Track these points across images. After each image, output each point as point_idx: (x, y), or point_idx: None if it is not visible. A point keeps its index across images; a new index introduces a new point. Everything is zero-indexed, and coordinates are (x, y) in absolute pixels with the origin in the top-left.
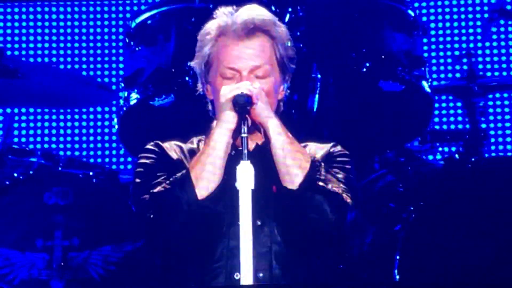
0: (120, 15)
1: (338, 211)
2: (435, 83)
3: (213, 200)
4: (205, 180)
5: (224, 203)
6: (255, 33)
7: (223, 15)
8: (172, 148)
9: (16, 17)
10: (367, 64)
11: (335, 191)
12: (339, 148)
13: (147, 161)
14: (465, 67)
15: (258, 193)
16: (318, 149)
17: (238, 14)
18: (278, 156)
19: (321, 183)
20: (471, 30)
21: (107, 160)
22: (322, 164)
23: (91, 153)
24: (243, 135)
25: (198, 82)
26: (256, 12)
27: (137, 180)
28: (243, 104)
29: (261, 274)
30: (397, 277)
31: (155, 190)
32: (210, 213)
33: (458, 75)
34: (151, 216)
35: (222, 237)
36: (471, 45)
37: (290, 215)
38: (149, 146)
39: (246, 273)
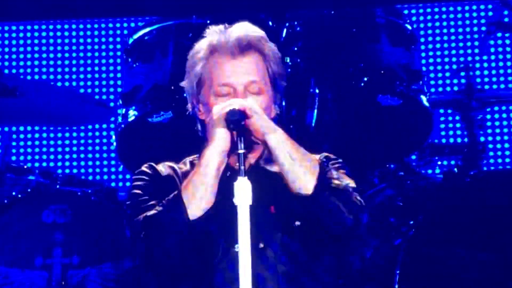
0: (118, 32)
1: (354, 210)
2: (433, 96)
3: (206, 220)
4: (197, 201)
5: (218, 223)
6: (249, 50)
7: (214, 33)
8: (165, 169)
9: (14, 35)
10: (365, 79)
11: (349, 189)
12: (330, 156)
13: (141, 183)
14: (463, 80)
15: (257, 213)
16: None
17: (230, 31)
18: (287, 164)
19: (336, 182)
20: (469, 43)
21: (105, 177)
22: (329, 164)
23: (90, 170)
24: (239, 151)
25: (188, 103)
26: (249, 30)
27: (131, 202)
28: (237, 120)
29: None
30: None
31: (148, 213)
32: (203, 233)
33: (456, 88)
34: (143, 237)
35: (218, 258)
36: (469, 58)
37: (307, 222)
38: (143, 168)
39: None
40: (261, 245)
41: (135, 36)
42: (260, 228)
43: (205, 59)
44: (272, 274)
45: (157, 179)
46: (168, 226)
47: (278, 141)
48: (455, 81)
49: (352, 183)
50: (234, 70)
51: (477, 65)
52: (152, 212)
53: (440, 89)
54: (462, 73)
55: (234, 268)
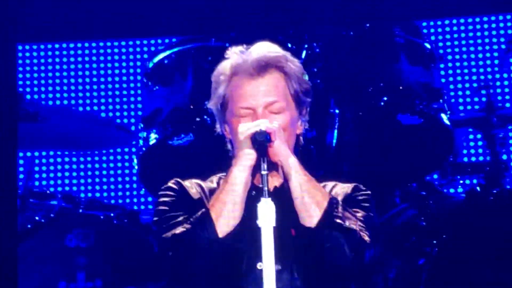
0: (138, 56)
1: (356, 248)
2: (453, 115)
3: (235, 237)
4: (225, 218)
5: (244, 241)
6: (267, 69)
7: (234, 55)
8: (192, 186)
9: (35, 61)
10: (385, 98)
11: (352, 228)
12: (360, 187)
13: (168, 199)
14: (483, 99)
15: (276, 234)
16: (338, 188)
17: (249, 52)
18: (296, 194)
19: (338, 220)
20: (488, 62)
21: (127, 201)
22: (340, 202)
23: (112, 194)
24: (263, 172)
25: (216, 123)
26: (267, 49)
27: (158, 219)
28: (262, 141)
29: None
30: None
31: (176, 232)
32: (232, 251)
33: (477, 107)
34: (172, 255)
35: (242, 277)
36: (489, 76)
37: (309, 255)
38: (170, 184)
39: None
40: (278, 267)
41: (155, 60)
42: (278, 250)
43: (227, 81)
44: None
45: (183, 195)
46: (197, 244)
47: (292, 169)
48: (476, 99)
49: (356, 226)
50: (252, 91)
51: (498, 83)
52: (180, 229)
53: (461, 107)
54: (483, 91)
55: (257, 287)
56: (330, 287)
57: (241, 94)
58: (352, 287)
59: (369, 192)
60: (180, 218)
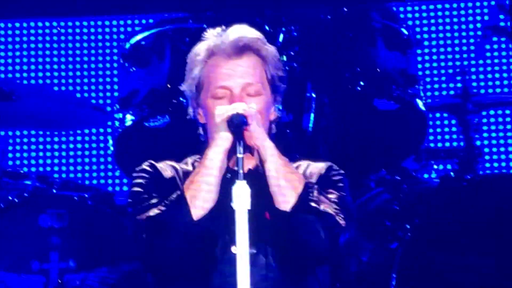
0: (114, 36)
1: (331, 232)
2: (429, 100)
3: (209, 220)
4: (200, 200)
5: (218, 224)
6: (245, 52)
7: (212, 36)
8: (166, 168)
9: (10, 39)
10: (362, 83)
11: (327, 211)
12: (334, 167)
13: (142, 181)
14: (459, 84)
15: (251, 217)
16: (313, 168)
17: (227, 33)
18: (272, 178)
19: (313, 204)
20: (464, 48)
21: (102, 182)
22: (316, 186)
23: (86, 175)
24: (238, 155)
25: (189, 106)
26: (245, 31)
27: (132, 201)
28: (238, 124)
29: None
30: None
31: (151, 214)
32: (206, 233)
33: (452, 92)
34: (146, 237)
35: (217, 260)
36: (465, 62)
37: (283, 238)
38: (143, 166)
39: None
40: (253, 251)
41: (132, 41)
42: (253, 233)
43: (203, 62)
44: (262, 280)
45: (157, 178)
46: (171, 226)
47: (268, 154)
48: (451, 85)
49: (331, 210)
50: (230, 72)
51: (473, 69)
52: (155, 211)
53: (436, 93)
54: (458, 77)
55: (231, 270)
56: (304, 270)
57: (218, 74)
58: (326, 269)
59: (343, 172)
60: (154, 201)
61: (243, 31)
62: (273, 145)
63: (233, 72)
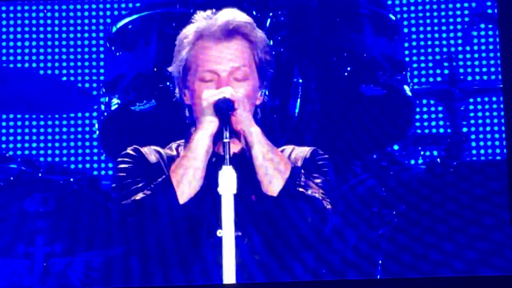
0: (101, 20)
1: (318, 216)
2: (416, 87)
3: (195, 204)
4: (186, 184)
5: (203, 208)
6: (234, 35)
7: (201, 19)
8: (151, 152)
9: None
10: (348, 69)
11: (314, 196)
12: (319, 152)
13: (126, 165)
14: (446, 71)
15: (237, 201)
16: (297, 152)
17: (216, 17)
18: (259, 163)
19: (300, 189)
20: (452, 34)
21: (88, 166)
22: (302, 170)
23: (72, 159)
24: (224, 140)
25: (176, 88)
26: (234, 15)
27: (116, 185)
28: (225, 109)
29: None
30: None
31: (137, 198)
32: (192, 217)
33: (439, 79)
34: (131, 221)
35: (202, 244)
36: (452, 49)
37: (269, 222)
38: (128, 151)
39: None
40: (239, 233)
41: (119, 25)
42: (239, 216)
43: (191, 44)
44: (246, 263)
45: (142, 162)
46: (157, 210)
47: (254, 139)
48: (438, 71)
49: (318, 195)
50: (218, 55)
51: (460, 56)
52: (141, 195)
53: (423, 79)
54: (445, 64)
55: (216, 254)
56: (290, 254)
57: (206, 57)
58: (311, 255)
59: (327, 156)
60: (139, 185)
61: (233, 15)
62: (259, 130)
63: (221, 56)
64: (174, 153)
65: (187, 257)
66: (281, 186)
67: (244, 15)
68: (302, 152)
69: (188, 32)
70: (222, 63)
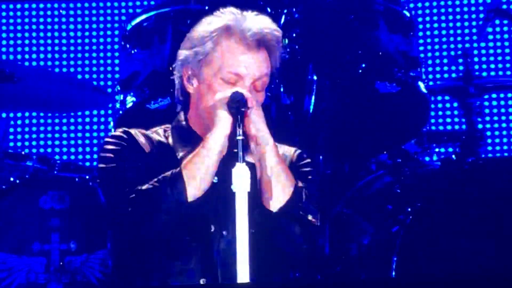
0: (116, 18)
1: (311, 241)
2: (431, 83)
3: (202, 202)
4: (197, 182)
5: (211, 206)
6: (263, 46)
7: (230, 14)
8: (139, 135)
9: (11, 20)
10: (363, 66)
11: (313, 223)
12: (303, 156)
13: (116, 147)
14: (461, 67)
15: (232, 198)
16: (283, 152)
17: (248, 22)
18: (264, 175)
19: (301, 212)
20: (466, 30)
21: None
22: (304, 190)
23: (87, 156)
24: (238, 137)
25: (180, 69)
26: (269, 26)
27: (106, 166)
28: (237, 103)
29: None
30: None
31: (143, 188)
32: (197, 215)
33: (454, 75)
34: (131, 211)
35: (205, 241)
36: (467, 45)
37: (262, 236)
38: (117, 133)
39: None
40: (224, 233)
41: (133, 23)
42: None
43: (218, 39)
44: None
45: (132, 145)
46: (164, 203)
47: (265, 148)
48: (453, 68)
49: (310, 217)
50: (247, 62)
51: (475, 52)
52: (147, 186)
53: (438, 75)
54: (460, 60)
55: (224, 252)
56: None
57: (234, 62)
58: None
59: (310, 161)
60: (133, 170)
61: (266, 25)
62: (272, 141)
63: (250, 63)
64: (163, 139)
65: (186, 253)
66: (281, 204)
67: (275, 26)
68: (289, 153)
69: (216, 25)
70: (249, 71)
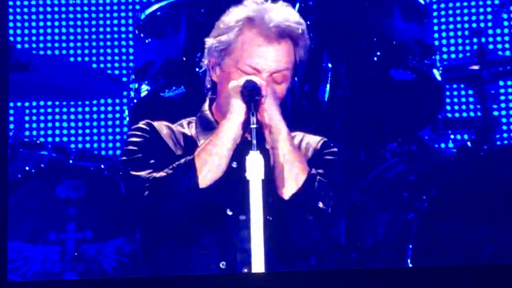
0: (130, 7)
1: (323, 228)
2: (445, 63)
3: (215, 189)
4: (209, 169)
5: (226, 193)
6: (285, 37)
7: (254, 5)
8: (163, 128)
9: (26, 10)
10: (378, 53)
11: (325, 210)
12: (329, 144)
13: (138, 139)
14: (475, 47)
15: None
16: (308, 141)
17: (271, 13)
18: (277, 163)
19: (311, 200)
20: (481, 17)
21: (118, 152)
22: (318, 177)
23: (102, 145)
24: (252, 126)
25: (206, 57)
26: (289, 15)
27: (127, 159)
28: (250, 91)
29: (245, 270)
30: (410, 266)
31: (157, 175)
32: (209, 202)
33: (468, 54)
34: (147, 196)
35: (222, 226)
36: (482, 24)
37: (278, 221)
38: (140, 125)
39: (257, 269)
40: (241, 217)
41: (148, 12)
42: (246, 200)
43: (240, 29)
44: (249, 248)
45: (154, 137)
46: (176, 190)
47: (280, 136)
48: (468, 47)
49: (321, 204)
50: (266, 55)
51: (490, 39)
52: (161, 174)
53: (453, 55)
54: (475, 40)
55: (241, 236)
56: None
57: (253, 52)
58: (313, 260)
59: (336, 150)
60: (152, 161)
61: (287, 14)
62: (286, 129)
63: (268, 56)
64: (186, 130)
65: (198, 240)
66: (293, 191)
67: (298, 17)
68: (313, 141)
69: (240, 15)
70: (267, 64)
